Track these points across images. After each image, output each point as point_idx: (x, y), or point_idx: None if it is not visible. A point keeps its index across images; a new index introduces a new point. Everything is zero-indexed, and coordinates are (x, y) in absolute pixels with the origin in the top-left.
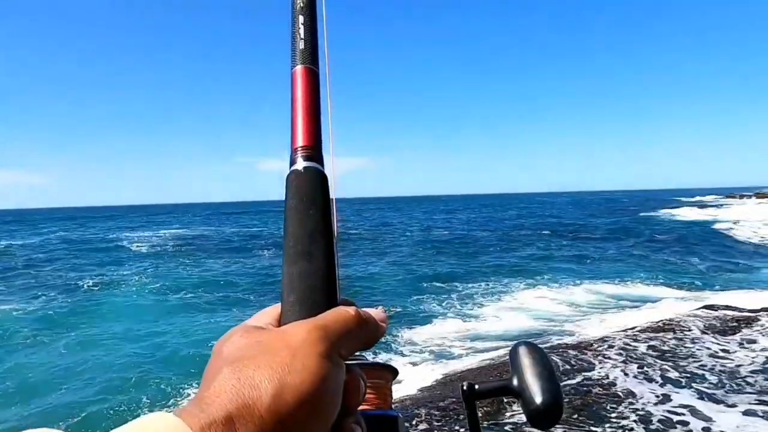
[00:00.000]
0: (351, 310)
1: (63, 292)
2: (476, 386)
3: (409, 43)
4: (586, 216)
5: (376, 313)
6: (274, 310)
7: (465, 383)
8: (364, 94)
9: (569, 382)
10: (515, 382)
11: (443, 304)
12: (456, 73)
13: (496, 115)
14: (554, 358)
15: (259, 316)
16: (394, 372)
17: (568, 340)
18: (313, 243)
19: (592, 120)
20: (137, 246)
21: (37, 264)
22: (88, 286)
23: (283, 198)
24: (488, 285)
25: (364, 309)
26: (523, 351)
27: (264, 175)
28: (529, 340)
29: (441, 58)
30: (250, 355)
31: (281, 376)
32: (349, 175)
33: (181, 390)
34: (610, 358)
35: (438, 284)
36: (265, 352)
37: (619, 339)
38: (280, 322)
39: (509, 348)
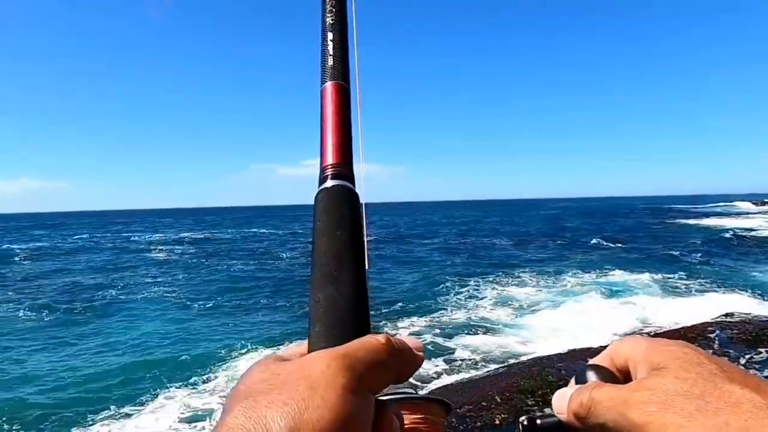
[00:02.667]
0: (381, 338)
1: (81, 295)
2: (538, 420)
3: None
4: (605, 223)
5: (410, 341)
6: (303, 343)
7: (525, 418)
8: (382, 102)
9: None
10: None
11: (454, 305)
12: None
13: (506, 123)
14: (570, 364)
15: (286, 348)
16: (447, 407)
17: (586, 344)
18: (340, 266)
19: (610, 124)
20: (156, 249)
21: (57, 266)
22: (106, 288)
23: (307, 214)
24: (498, 284)
25: (396, 337)
26: (592, 376)
27: (282, 180)
28: (595, 362)
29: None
30: (264, 390)
31: (296, 413)
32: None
33: (184, 392)
34: None
35: (449, 284)
36: (280, 386)
37: None
38: (307, 353)
39: (526, 358)
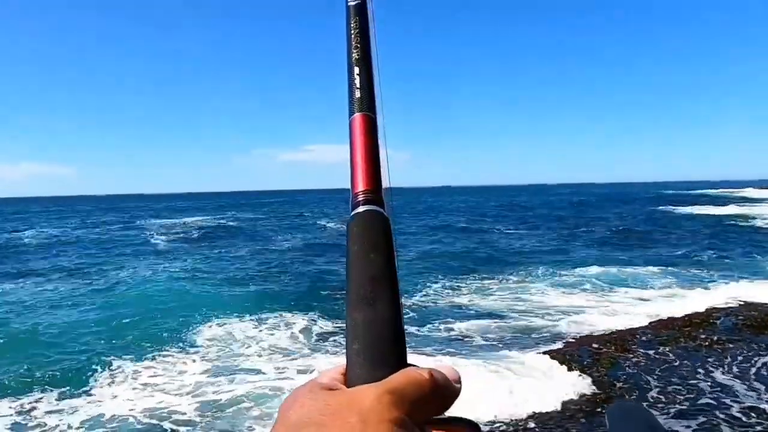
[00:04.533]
0: (424, 373)
1: (81, 276)
2: None
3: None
4: (606, 210)
5: (448, 371)
6: (341, 365)
7: None
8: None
9: (592, 374)
10: None
11: (454, 291)
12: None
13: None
14: (575, 350)
15: (326, 372)
16: (476, 428)
17: (590, 330)
18: (376, 288)
19: (606, 106)
20: (158, 233)
21: (60, 249)
22: (107, 270)
23: (345, 241)
24: (499, 272)
25: (435, 368)
26: (623, 409)
27: (282, 166)
28: (629, 400)
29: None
30: (319, 421)
31: None
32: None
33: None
34: (635, 352)
35: (452, 269)
36: (333, 417)
37: (646, 332)
38: (346, 373)
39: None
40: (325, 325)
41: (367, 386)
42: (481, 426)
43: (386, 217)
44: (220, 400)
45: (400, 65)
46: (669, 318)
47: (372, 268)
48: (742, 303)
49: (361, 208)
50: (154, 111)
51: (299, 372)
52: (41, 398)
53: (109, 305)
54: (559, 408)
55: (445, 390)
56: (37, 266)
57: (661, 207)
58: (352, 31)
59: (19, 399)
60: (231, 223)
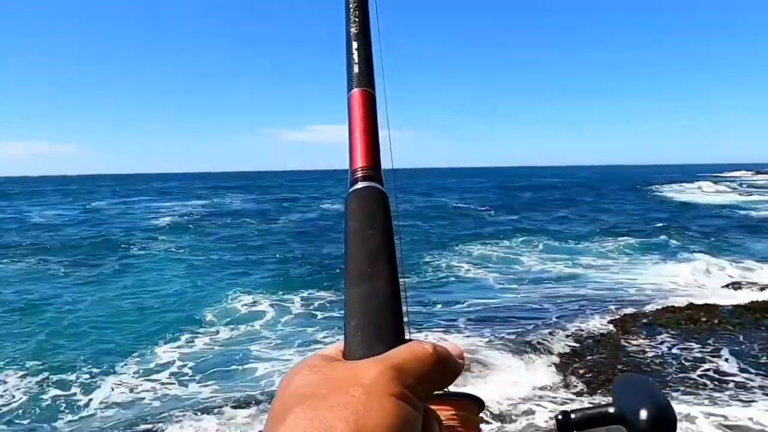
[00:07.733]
0: (428, 347)
1: (81, 260)
2: (572, 415)
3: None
4: (603, 195)
5: (451, 347)
6: (339, 342)
7: (560, 412)
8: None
9: (594, 356)
10: (620, 410)
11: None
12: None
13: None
14: (578, 324)
15: (325, 349)
16: (480, 403)
17: (591, 310)
18: (373, 264)
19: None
20: (160, 216)
21: (59, 232)
22: (109, 253)
23: (343, 219)
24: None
25: (438, 343)
26: (629, 382)
27: (286, 146)
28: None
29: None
30: (322, 393)
31: (357, 417)
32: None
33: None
34: (637, 333)
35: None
36: (336, 390)
37: (647, 315)
38: (344, 349)
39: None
40: (329, 301)
41: (370, 360)
42: (485, 402)
43: (384, 194)
44: (230, 374)
45: (410, 45)
46: (670, 300)
47: (369, 244)
48: (743, 286)
49: (359, 185)
50: (153, 93)
51: (302, 348)
52: (71, 373)
53: (110, 290)
54: (562, 384)
55: (449, 365)
56: (47, 252)
57: (646, 195)
58: (351, 5)
59: (44, 373)
60: (234, 205)
